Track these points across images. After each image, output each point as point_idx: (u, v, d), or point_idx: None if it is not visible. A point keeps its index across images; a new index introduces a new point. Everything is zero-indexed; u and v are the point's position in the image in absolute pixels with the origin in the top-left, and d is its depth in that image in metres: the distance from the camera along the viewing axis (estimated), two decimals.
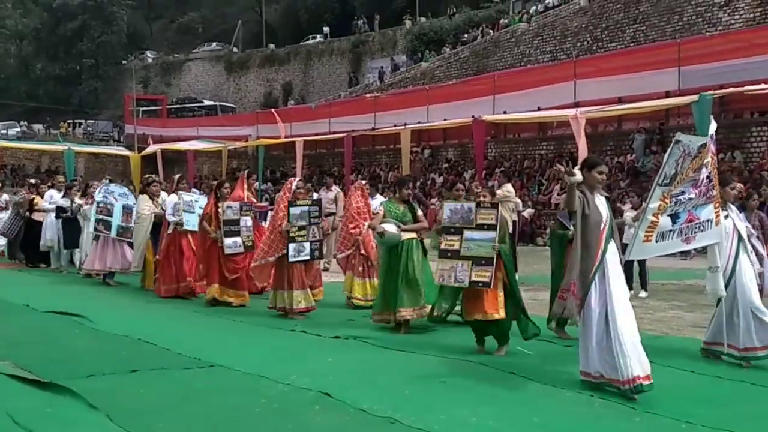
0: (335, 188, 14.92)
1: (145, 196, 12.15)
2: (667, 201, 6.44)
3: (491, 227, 7.21)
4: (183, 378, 6.18)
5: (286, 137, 30.22)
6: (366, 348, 7.55)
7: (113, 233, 12.62)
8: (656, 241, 6.52)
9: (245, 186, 11.34)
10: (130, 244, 12.52)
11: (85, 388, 5.64)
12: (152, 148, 30.70)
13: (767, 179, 17.34)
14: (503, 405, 5.48)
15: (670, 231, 6.57)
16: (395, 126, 29.14)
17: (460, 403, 5.43)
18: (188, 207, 11.18)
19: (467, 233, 7.25)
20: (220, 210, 10.26)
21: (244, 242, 10.30)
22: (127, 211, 12.74)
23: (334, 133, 30.87)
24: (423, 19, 47.98)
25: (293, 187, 9.68)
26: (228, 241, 10.17)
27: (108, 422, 4.94)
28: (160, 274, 11.25)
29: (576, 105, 23.29)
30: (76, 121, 54.75)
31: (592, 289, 5.71)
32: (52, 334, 8.11)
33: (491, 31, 38.32)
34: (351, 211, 10.31)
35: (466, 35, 40.65)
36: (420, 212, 8.81)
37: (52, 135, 48.45)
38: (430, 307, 8.17)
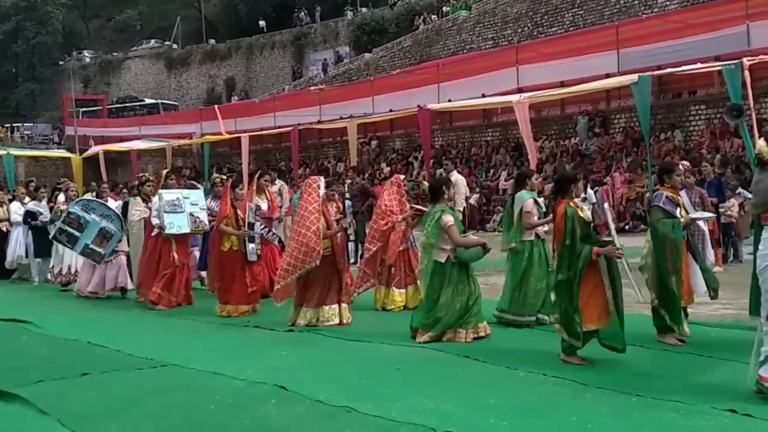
0: (279, 182, 14.63)
1: (137, 199, 10.98)
2: None
3: None
4: (135, 379, 6.09)
5: (231, 133, 29.89)
6: (320, 340, 7.54)
7: (78, 249, 11.26)
8: None
9: (254, 189, 10.47)
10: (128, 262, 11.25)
11: (34, 393, 5.53)
12: (94, 149, 30.11)
13: (706, 157, 17.74)
14: (459, 389, 5.51)
15: None
16: (341, 118, 29.05)
17: (416, 390, 5.46)
18: (171, 207, 10.01)
19: (614, 233, 6.51)
20: (239, 212, 9.34)
21: (256, 250, 9.37)
22: (105, 235, 11.05)
23: (280, 127, 30.66)
24: (364, 9, 47.92)
25: (321, 191, 8.43)
26: (249, 246, 9.24)
27: (59, 427, 4.86)
28: (142, 282, 10.27)
29: (519, 90, 23.37)
30: (13, 125, 53.36)
31: None
32: None
33: (434, 17, 38.44)
34: (382, 207, 9.45)
35: (414, 22, 40.62)
36: None
37: None
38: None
